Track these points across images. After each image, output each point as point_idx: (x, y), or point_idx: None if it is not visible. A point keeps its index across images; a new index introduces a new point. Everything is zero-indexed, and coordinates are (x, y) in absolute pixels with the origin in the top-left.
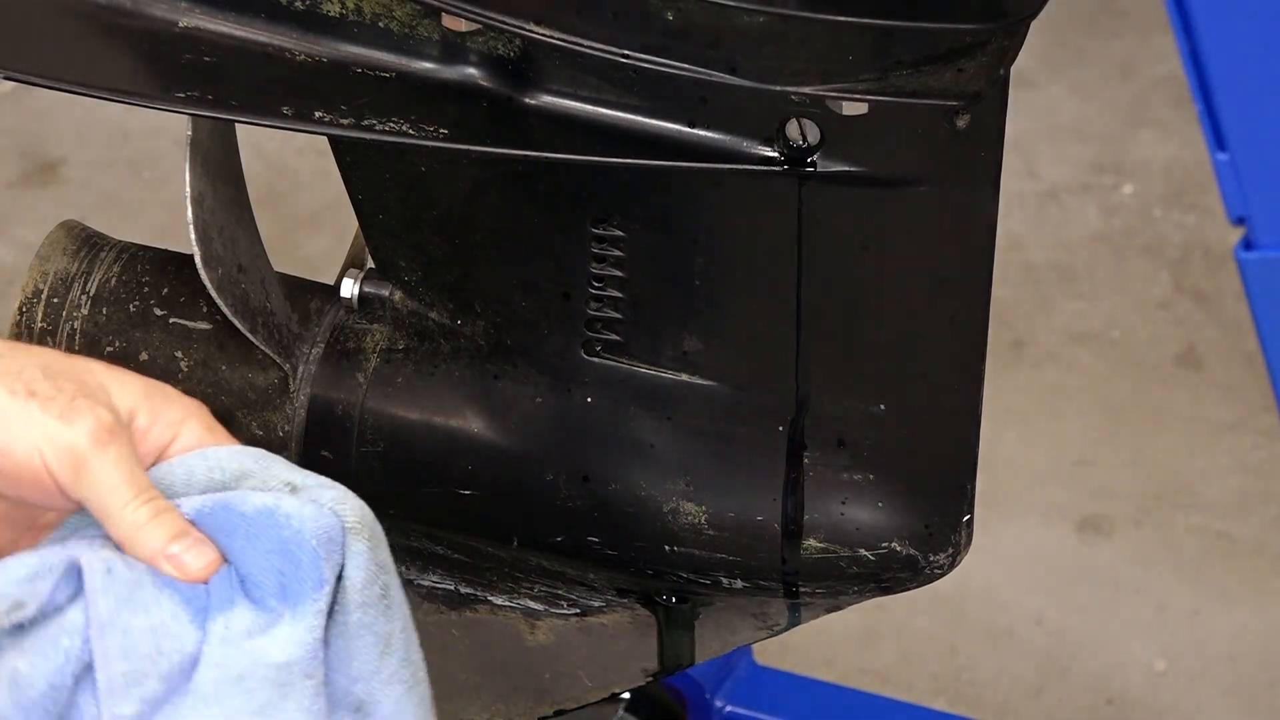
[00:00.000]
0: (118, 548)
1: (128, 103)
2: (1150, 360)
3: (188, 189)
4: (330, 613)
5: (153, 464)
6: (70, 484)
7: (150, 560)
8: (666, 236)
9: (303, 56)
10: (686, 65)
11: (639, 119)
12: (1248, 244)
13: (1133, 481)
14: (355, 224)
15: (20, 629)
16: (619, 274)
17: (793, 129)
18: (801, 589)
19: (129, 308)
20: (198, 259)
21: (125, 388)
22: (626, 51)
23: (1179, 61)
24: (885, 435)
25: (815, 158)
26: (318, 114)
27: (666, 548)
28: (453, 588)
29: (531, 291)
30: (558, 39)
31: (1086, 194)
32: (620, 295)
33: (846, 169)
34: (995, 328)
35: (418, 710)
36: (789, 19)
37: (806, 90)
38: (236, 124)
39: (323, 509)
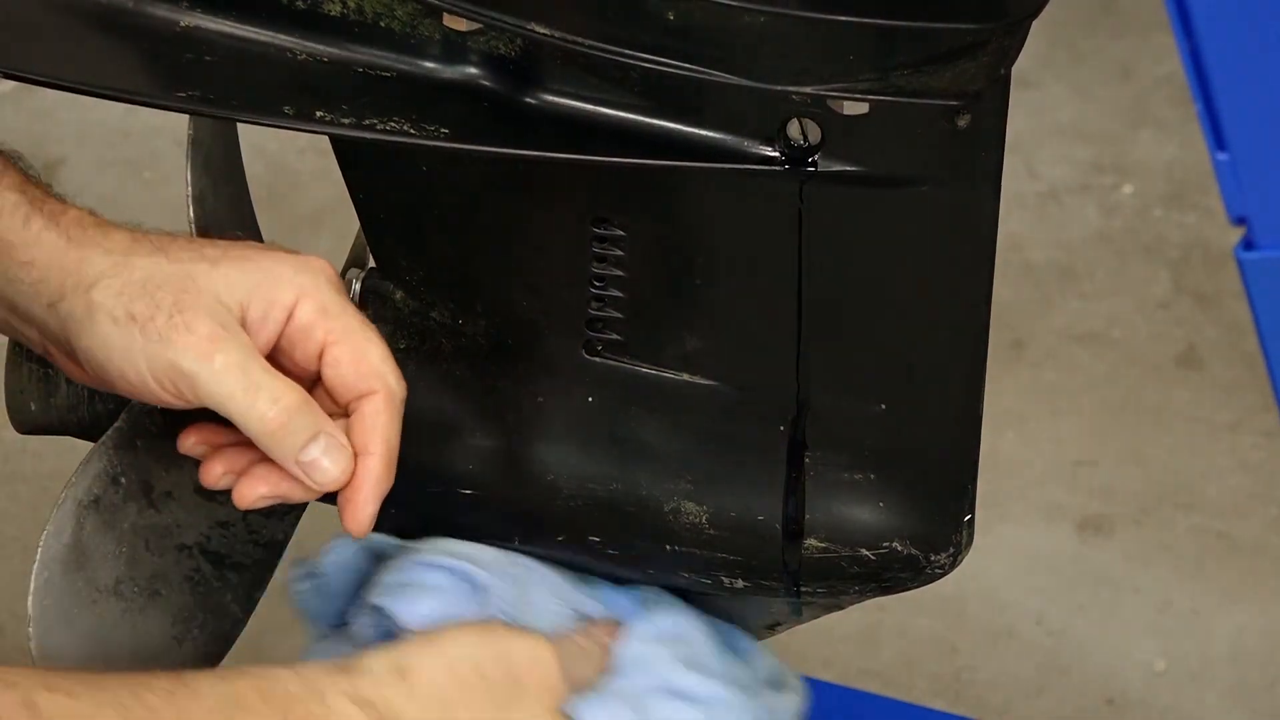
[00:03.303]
0: None
1: (128, 102)
2: (1150, 360)
3: (189, 188)
4: None
5: (274, 349)
6: (192, 399)
7: (289, 470)
8: (667, 236)
9: (304, 56)
10: (687, 65)
11: (639, 119)
12: (1248, 244)
13: (1133, 481)
14: (356, 224)
15: None
16: (620, 274)
17: (793, 129)
18: (802, 589)
19: None
20: None
21: (232, 284)
22: (627, 51)
23: (1179, 61)
24: (886, 435)
25: (816, 157)
26: (318, 114)
27: (667, 547)
28: None
29: (533, 291)
30: (558, 38)
31: (1086, 194)
32: (621, 295)
33: (847, 169)
34: (995, 328)
35: None
36: (790, 18)
37: (807, 90)
38: (237, 124)
39: None
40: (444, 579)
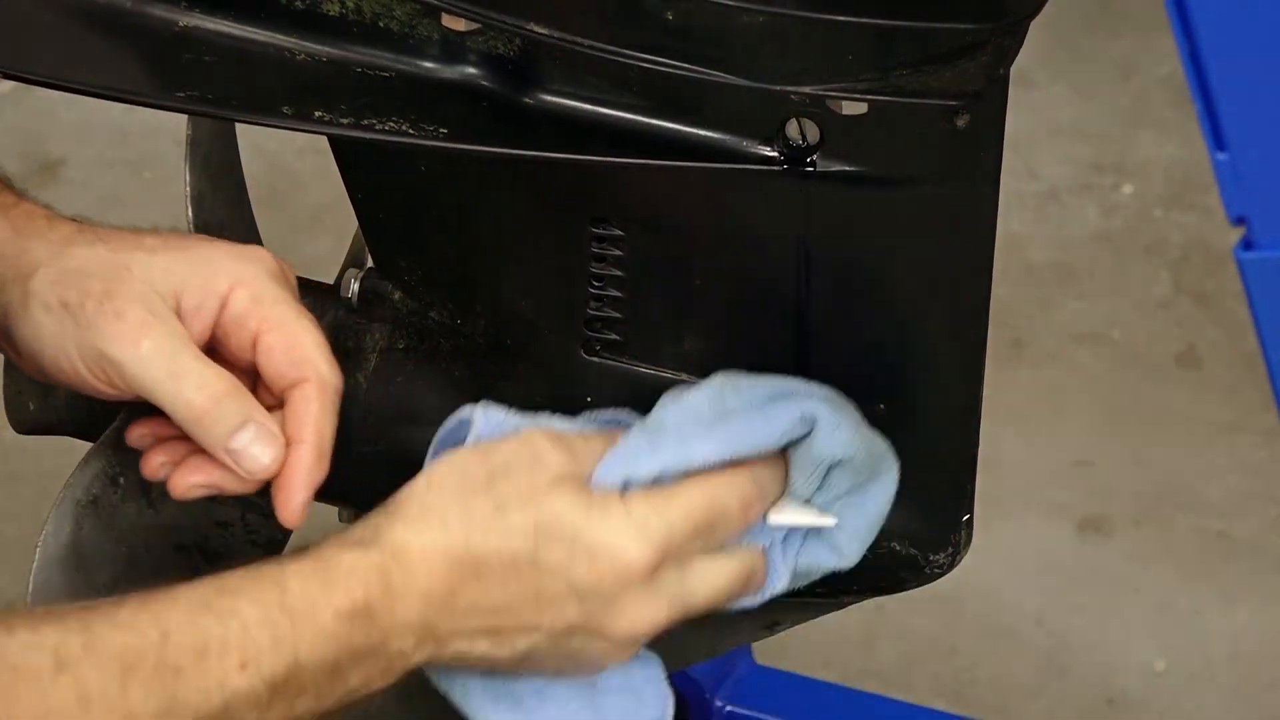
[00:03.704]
0: None
1: (128, 102)
2: (1150, 360)
3: (188, 188)
4: None
5: (210, 338)
6: (123, 387)
7: (219, 458)
8: (665, 236)
9: (302, 56)
10: (686, 65)
11: (638, 118)
12: (1247, 244)
13: (1133, 481)
14: (355, 224)
15: None
16: (619, 274)
17: (792, 128)
18: (801, 589)
19: None
20: None
21: (168, 272)
22: (625, 51)
23: (1179, 61)
24: (885, 435)
25: (815, 157)
26: (317, 114)
27: None
28: None
29: (531, 291)
30: (557, 38)
31: (1086, 194)
32: (620, 295)
33: (846, 168)
34: (995, 328)
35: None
36: (789, 19)
37: (806, 90)
38: (236, 124)
39: None
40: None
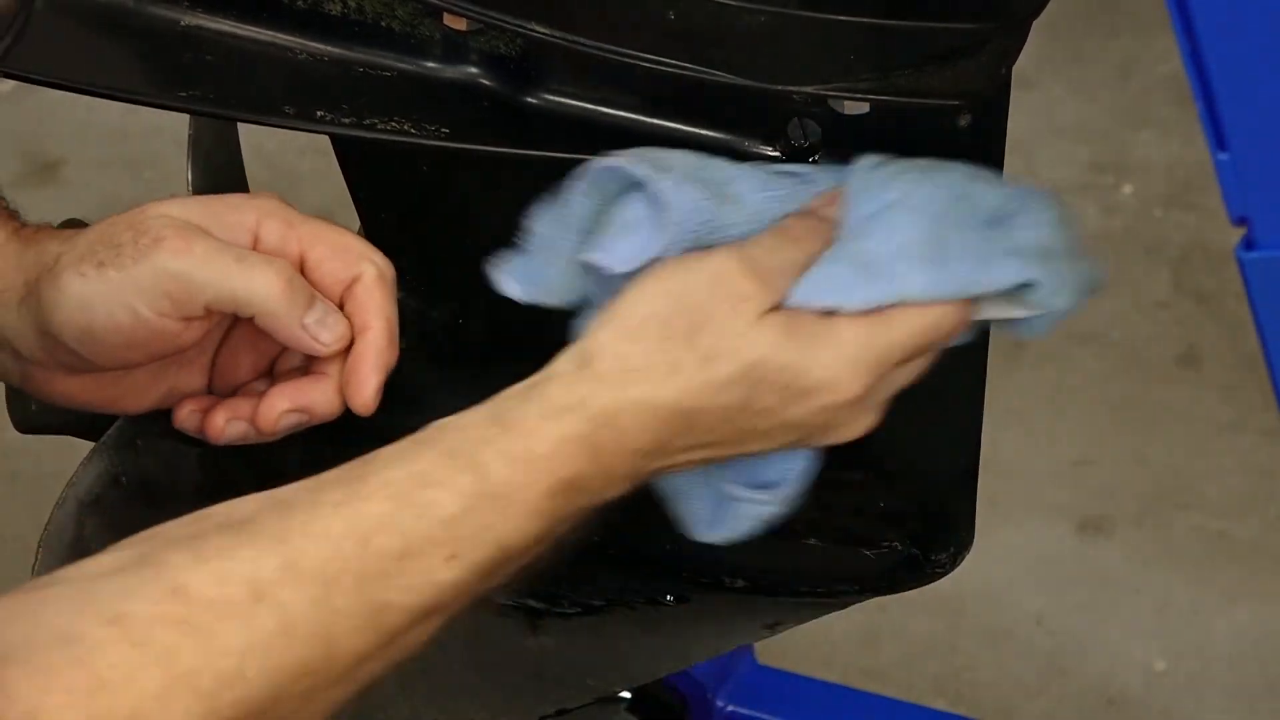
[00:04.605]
0: None
1: (128, 102)
2: (1150, 360)
3: (189, 189)
4: None
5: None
6: (188, 303)
7: (296, 337)
8: None
9: (304, 56)
10: (687, 65)
11: (640, 118)
12: (1249, 244)
13: (1133, 481)
14: (356, 224)
15: None
16: None
17: (794, 128)
18: (802, 589)
19: None
20: None
21: (187, 211)
22: (627, 51)
23: (1179, 61)
24: (886, 434)
25: (816, 157)
26: (319, 113)
27: (668, 546)
28: None
29: None
30: (559, 38)
31: (1086, 194)
32: None
33: None
34: (995, 327)
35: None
36: (790, 18)
37: (808, 89)
38: (238, 123)
39: None
40: (640, 210)
